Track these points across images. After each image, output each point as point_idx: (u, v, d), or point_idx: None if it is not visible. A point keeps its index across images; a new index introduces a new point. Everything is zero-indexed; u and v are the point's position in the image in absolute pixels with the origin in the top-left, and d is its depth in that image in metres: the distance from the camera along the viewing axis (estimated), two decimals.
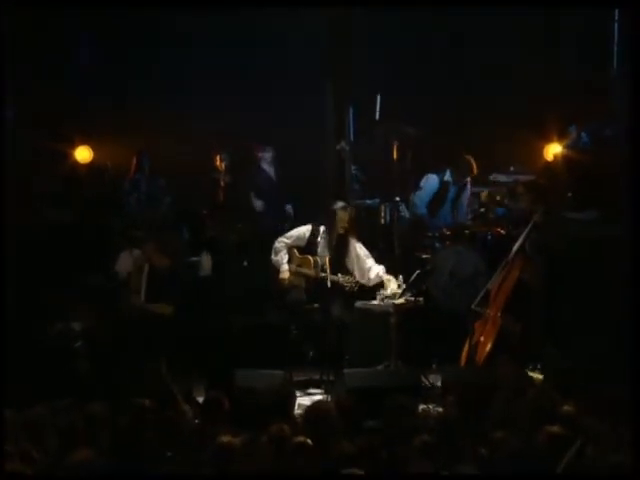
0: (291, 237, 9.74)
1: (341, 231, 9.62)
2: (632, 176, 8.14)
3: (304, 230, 9.77)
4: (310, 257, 9.59)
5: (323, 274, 9.40)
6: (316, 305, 9.53)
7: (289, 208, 11.58)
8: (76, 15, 11.57)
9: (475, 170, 11.06)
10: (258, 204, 11.56)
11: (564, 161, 11.29)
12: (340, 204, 9.75)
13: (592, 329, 9.15)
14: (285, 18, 11.82)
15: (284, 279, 9.61)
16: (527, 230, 9.51)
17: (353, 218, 9.81)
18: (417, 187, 11.22)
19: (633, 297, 7.61)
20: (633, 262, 7.63)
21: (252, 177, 11.71)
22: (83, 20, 11.80)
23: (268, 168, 11.67)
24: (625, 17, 11.64)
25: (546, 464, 5.73)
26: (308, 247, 9.71)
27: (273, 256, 9.66)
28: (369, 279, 9.53)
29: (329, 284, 9.32)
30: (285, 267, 9.62)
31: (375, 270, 9.54)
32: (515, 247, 9.45)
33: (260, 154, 11.58)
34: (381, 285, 9.49)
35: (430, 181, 11.16)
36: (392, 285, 9.47)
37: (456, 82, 12.16)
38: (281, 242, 9.68)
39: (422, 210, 11.13)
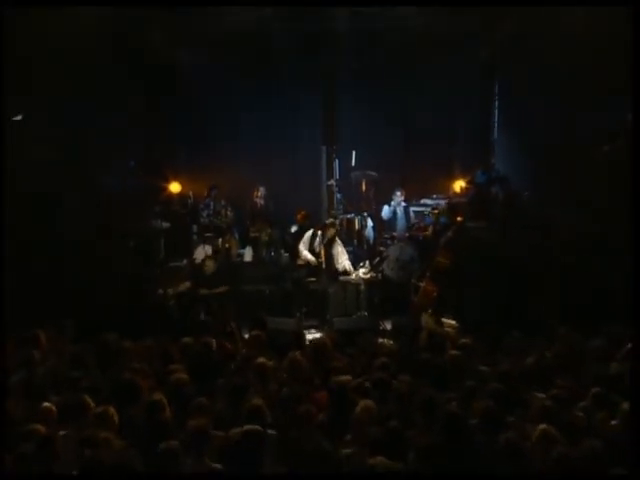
0: (304, 242, 9.77)
1: (330, 236, 9.68)
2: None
3: (309, 234, 9.84)
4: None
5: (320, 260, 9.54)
6: (313, 279, 9.57)
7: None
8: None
9: (403, 196, 10.94)
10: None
11: (466, 190, 11.30)
12: (331, 220, 9.93)
13: (482, 293, 9.10)
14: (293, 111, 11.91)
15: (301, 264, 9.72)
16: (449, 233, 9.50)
17: (338, 229, 9.98)
18: (379, 210, 11.15)
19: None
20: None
21: None
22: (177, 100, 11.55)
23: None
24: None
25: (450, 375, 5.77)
26: (311, 243, 9.75)
27: (301, 250, 9.73)
28: (341, 267, 9.62)
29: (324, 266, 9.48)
30: (307, 256, 9.67)
31: (344, 263, 9.63)
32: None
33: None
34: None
35: (385, 209, 11.08)
36: (354, 271, 9.68)
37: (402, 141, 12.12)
38: (301, 244, 9.78)
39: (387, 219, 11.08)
